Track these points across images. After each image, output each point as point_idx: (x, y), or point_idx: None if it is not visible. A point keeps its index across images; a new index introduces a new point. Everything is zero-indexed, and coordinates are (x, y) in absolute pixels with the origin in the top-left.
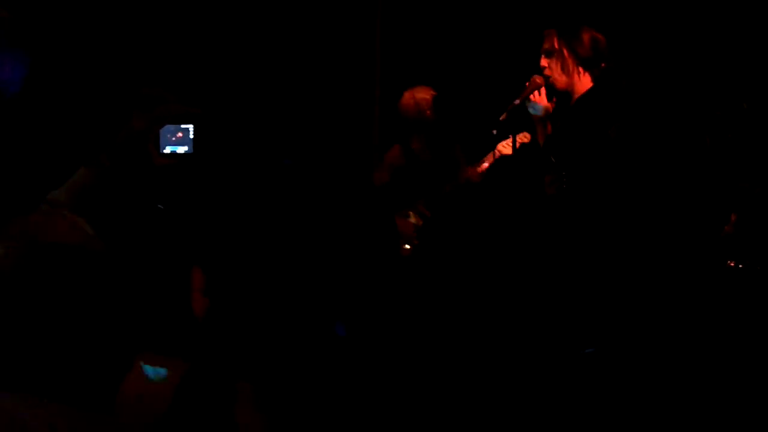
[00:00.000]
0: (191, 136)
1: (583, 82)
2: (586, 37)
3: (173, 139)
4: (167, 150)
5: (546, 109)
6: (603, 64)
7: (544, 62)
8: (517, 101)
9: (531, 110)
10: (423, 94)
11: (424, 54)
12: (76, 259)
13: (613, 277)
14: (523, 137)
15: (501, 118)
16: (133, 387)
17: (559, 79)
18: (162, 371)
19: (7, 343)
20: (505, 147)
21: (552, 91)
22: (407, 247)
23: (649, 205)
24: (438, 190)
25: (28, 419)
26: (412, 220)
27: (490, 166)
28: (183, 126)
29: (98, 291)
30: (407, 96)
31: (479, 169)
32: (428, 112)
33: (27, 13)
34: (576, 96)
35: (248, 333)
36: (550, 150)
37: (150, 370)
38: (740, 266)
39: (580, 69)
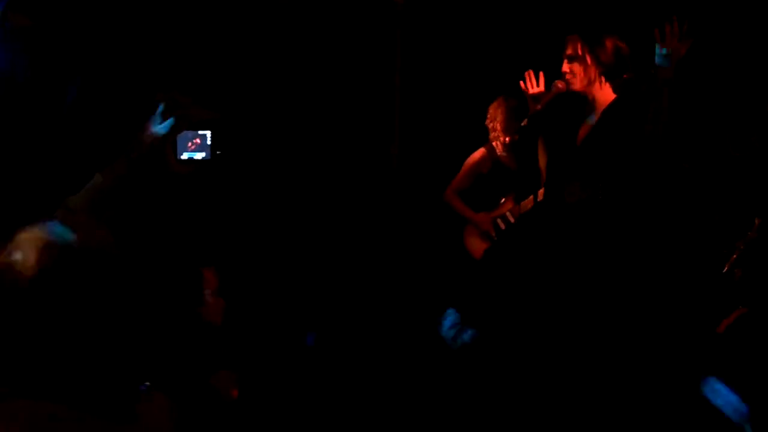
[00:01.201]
0: (209, 143)
1: (605, 90)
2: (609, 44)
3: (191, 145)
4: (185, 156)
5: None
6: (625, 75)
7: (566, 67)
8: (538, 107)
9: None
10: (514, 102)
11: (445, 59)
12: (93, 264)
13: (642, 279)
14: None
15: (522, 124)
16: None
17: (581, 85)
18: None
19: (26, 347)
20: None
21: (573, 97)
22: (484, 245)
23: (677, 209)
24: (524, 196)
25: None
26: (501, 224)
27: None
28: (200, 132)
29: (115, 295)
30: (498, 101)
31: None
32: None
33: (47, 20)
34: (597, 104)
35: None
36: (581, 159)
37: None
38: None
39: (602, 78)
